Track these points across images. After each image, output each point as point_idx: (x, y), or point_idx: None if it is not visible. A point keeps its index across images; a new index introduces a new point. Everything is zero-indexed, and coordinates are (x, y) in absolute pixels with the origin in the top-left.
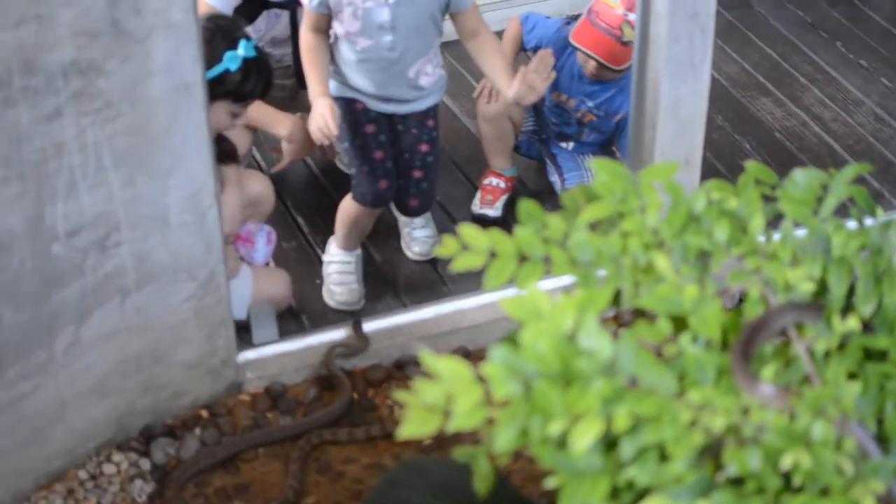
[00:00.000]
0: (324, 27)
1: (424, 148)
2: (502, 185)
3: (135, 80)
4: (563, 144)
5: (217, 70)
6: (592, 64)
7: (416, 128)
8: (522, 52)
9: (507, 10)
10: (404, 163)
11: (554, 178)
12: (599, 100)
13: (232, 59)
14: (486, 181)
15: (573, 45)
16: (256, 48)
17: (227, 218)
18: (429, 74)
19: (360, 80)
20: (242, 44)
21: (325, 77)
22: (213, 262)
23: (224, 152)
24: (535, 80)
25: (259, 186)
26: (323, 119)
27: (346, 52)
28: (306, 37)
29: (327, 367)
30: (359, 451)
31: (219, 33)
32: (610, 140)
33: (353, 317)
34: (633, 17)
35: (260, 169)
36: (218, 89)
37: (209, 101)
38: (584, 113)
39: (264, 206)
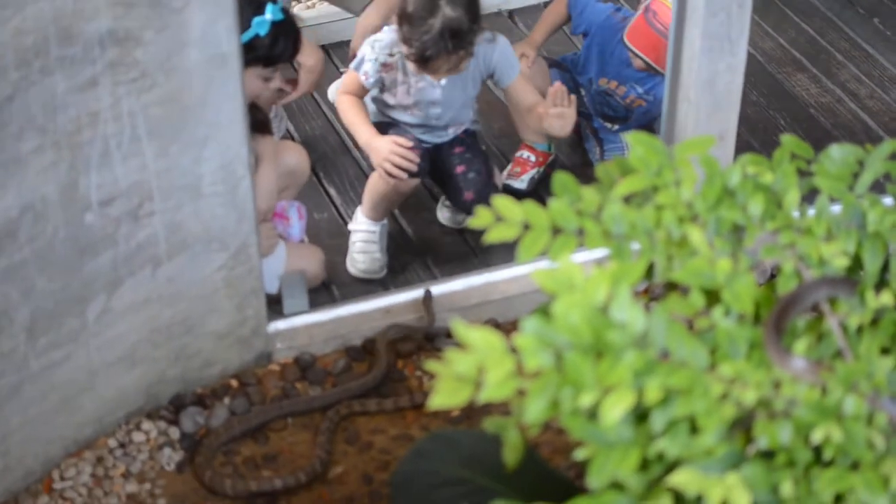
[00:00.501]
0: (364, 93)
1: (458, 149)
2: (533, 158)
3: (171, 50)
4: (608, 125)
5: (247, 36)
6: (641, 63)
7: (449, 144)
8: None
9: None
10: (443, 164)
11: (594, 149)
12: (649, 85)
13: (261, 24)
14: (518, 153)
15: (627, 45)
16: (283, 10)
17: (263, 194)
18: (464, 124)
19: (402, 120)
20: (269, 7)
21: (370, 125)
22: (244, 232)
23: (258, 123)
24: (562, 112)
25: (295, 157)
26: (396, 151)
27: (392, 108)
28: (347, 98)
29: (377, 344)
30: (387, 422)
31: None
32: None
33: (382, 285)
34: None
35: (292, 139)
36: (249, 55)
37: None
38: (634, 99)
39: (300, 177)
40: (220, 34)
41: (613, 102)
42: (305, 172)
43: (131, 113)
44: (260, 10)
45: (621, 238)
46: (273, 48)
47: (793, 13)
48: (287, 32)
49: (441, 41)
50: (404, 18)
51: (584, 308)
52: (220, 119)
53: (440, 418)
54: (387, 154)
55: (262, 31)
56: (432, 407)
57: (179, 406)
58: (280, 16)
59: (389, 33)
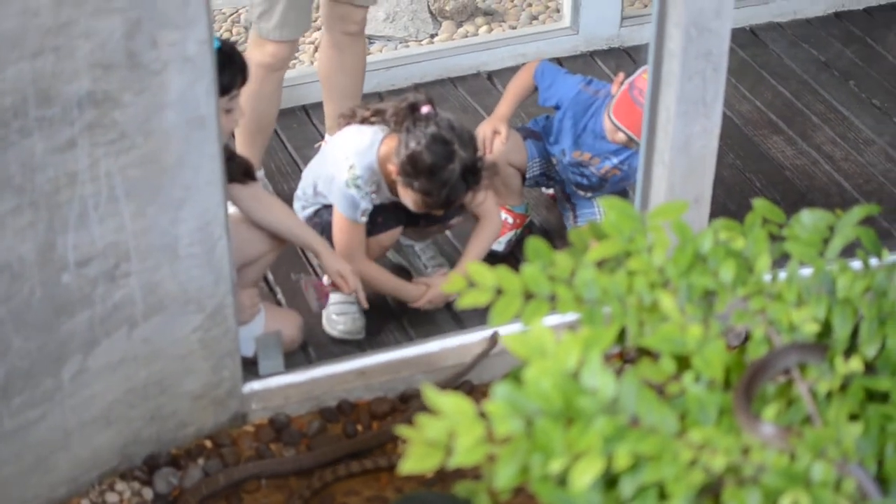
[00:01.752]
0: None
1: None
2: (510, 220)
3: (149, 112)
4: (582, 193)
5: None
6: (623, 137)
7: None
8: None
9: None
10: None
11: (568, 213)
12: (624, 156)
13: None
14: None
15: (615, 124)
16: (219, 39)
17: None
18: None
19: None
20: None
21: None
22: (221, 293)
23: (239, 171)
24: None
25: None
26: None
27: None
28: (371, 265)
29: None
30: (361, 484)
31: None
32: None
33: (358, 346)
34: None
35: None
36: None
37: None
38: (609, 169)
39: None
40: (198, 96)
41: (588, 172)
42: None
43: (109, 174)
44: None
45: (593, 303)
46: (221, 78)
47: (769, 76)
48: (229, 60)
49: (462, 184)
50: (421, 173)
51: (555, 374)
52: (197, 180)
53: (414, 480)
54: (415, 302)
55: None
56: (403, 472)
57: (153, 466)
58: (217, 44)
59: (362, 164)
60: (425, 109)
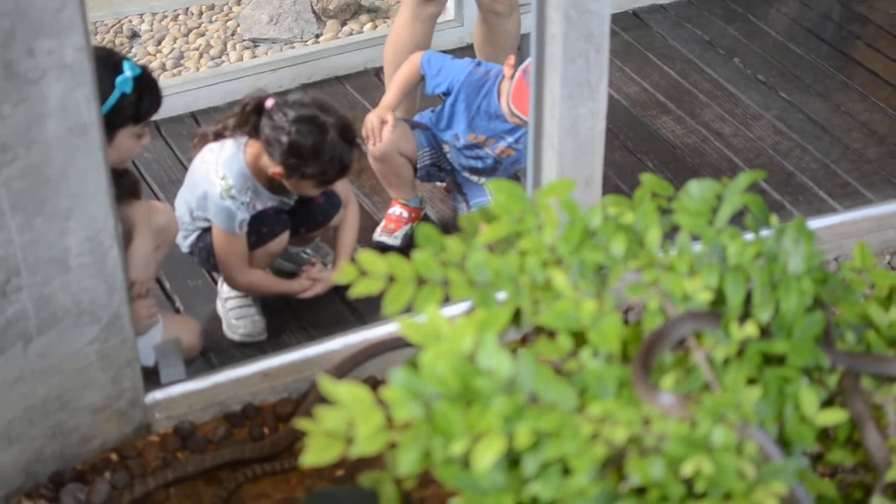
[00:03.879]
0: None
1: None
2: (405, 214)
3: (29, 122)
4: (475, 178)
5: (114, 98)
6: (518, 120)
7: None
8: (423, 91)
9: None
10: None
11: (460, 205)
12: (518, 134)
13: (124, 83)
14: (390, 210)
15: (515, 113)
16: (142, 66)
17: (139, 265)
18: None
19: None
20: (127, 65)
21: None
22: (116, 303)
23: (127, 188)
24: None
25: (163, 217)
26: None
27: None
28: (253, 272)
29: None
30: (272, 487)
31: (99, 64)
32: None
33: (260, 348)
34: None
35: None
36: (118, 118)
37: (112, 131)
38: (503, 149)
39: (170, 236)
40: (79, 104)
41: (482, 154)
42: (175, 231)
43: None
44: (118, 71)
45: (486, 286)
46: (140, 104)
47: (655, 57)
48: (149, 85)
49: (346, 145)
50: (307, 157)
51: (451, 357)
52: (84, 190)
53: (325, 479)
54: (303, 293)
55: (128, 90)
56: (305, 465)
57: (59, 483)
58: (138, 70)
59: (232, 173)
60: (269, 103)
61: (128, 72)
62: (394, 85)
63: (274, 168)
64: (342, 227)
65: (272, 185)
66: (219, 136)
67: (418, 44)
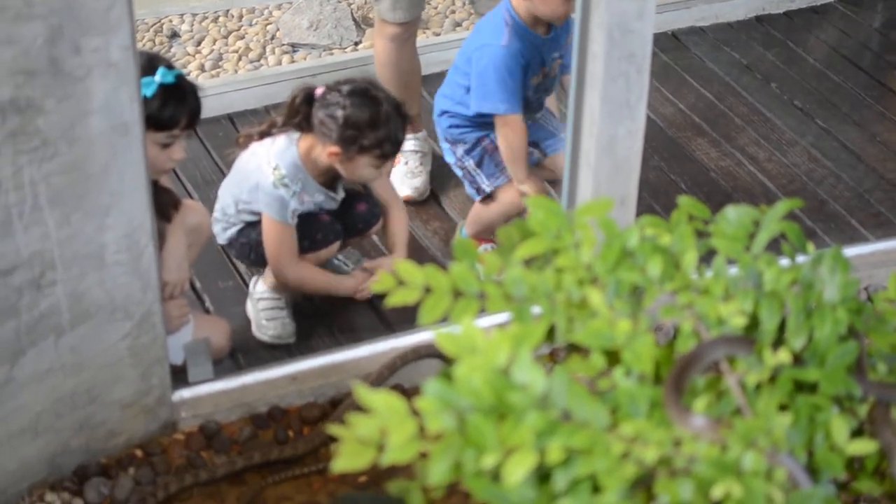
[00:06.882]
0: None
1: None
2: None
3: (73, 119)
4: (538, 115)
5: None
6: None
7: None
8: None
9: None
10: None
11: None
12: (557, 42)
13: (147, 85)
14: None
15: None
16: (179, 76)
17: (173, 267)
18: None
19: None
20: (160, 70)
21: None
22: (149, 301)
23: (164, 207)
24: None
25: (196, 216)
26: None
27: None
28: (303, 266)
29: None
30: (294, 490)
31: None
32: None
33: (288, 352)
34: None
35: (185, 190)
36: None
37: None
38: (555, 66)
39: (203, 235)
40: (122, 102)
41: (550, 82)
42: (208, 230)
43: (33, 182)
44: (152, 73)
45: (522, 301)
46: (162, 111)
47: (692, 79)
48: (178, 98)
49: (399, 119)
50: (364, 128)
51: (486, 370)
52: (123, 187)
53: (347, 484)
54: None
55: (148, 93)
56: (336, 470)
57: (83, 477)
58: (171, 79)
59: (285, 163)
60: (319, 90)
61: (157, 76)
62: (516, 164)
63: (330, 148)
64: (392, 223)
65: (323, 179)
66: (264, 135)
67: (394, 62)
